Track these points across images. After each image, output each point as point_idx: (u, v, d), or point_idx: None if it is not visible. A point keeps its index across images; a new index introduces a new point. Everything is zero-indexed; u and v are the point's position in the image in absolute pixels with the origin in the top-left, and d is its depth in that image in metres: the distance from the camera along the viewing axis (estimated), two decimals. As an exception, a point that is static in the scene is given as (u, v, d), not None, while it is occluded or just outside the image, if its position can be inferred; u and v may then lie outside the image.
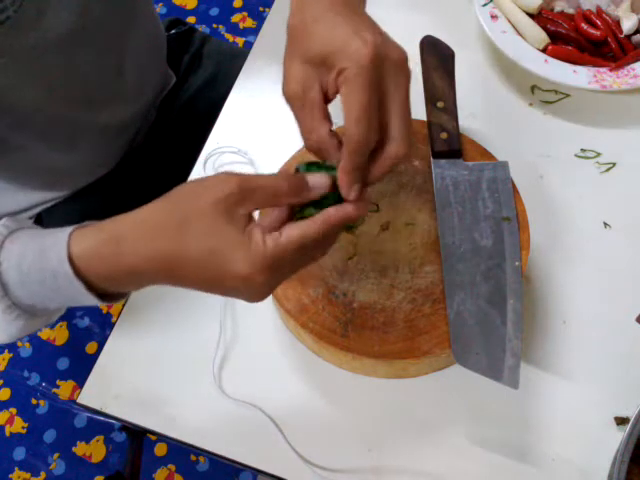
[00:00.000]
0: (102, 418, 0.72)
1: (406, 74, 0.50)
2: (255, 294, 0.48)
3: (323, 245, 0.51)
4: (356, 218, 0.51)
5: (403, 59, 0.49)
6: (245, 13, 2.02)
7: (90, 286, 0.49)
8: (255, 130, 0.82)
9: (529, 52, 0.80)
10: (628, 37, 0.81)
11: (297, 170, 0.52)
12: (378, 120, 0.49)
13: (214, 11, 2.03)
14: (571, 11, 0.84)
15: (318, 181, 0.50)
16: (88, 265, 0.48)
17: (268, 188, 0.47)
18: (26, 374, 1.58)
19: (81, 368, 1.57)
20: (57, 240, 0.49)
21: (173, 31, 1.06)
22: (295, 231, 0.47)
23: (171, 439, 0.65)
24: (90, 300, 0.50)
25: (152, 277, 0.49)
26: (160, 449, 1.47)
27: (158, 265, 0.47)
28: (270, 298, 0.66)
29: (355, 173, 0.50)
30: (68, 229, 0.49)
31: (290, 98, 0.51)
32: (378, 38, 0.48)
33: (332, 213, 0.49)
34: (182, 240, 0.46)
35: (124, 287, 0.51)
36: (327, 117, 0.51)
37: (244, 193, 0.46)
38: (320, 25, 0.50)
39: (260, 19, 2.00)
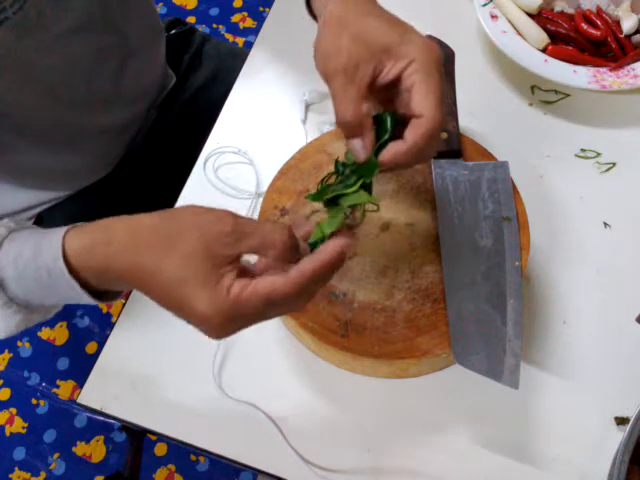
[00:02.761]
0: (102, 418, 0.72)
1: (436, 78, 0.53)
2: (212, 333, 0.48)
3: (296, 301, 0.48)
4: (339, 263, 0.49)
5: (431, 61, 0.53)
6: (245, 13, 2.02)
7: (84, 284, 0.49)
8: (255, 130, 0.82)
9: (529, 52, 0.80)
10: (628, 37, 0.81)
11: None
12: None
13: (214, 11, 2.03)
14: (571, 11, 0.84)
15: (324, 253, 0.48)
16: (81, 263, 0.49)
17: (261, 239, 0.47)
18: (26, 374, 1.58)
19: (81, 368, 1.57)
20: (52, 239, 0.49)
21: (173, 31, 1.06)
22: (263, 284, 0.46)
23: (171, 439, 0.65)
24: (84, 298, 0.50)
25: (131, 284, 0.49)
26: (160, 449, 1.47)
27: (135, 275, 0.48)
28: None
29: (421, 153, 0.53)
30: (63, 228, 0.50)
31: (337, 71, 0.53)
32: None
33: (307, 266, 0.47)
34: (160, 262, 0.47)
35: (114, 287, 0.52)
36: (369, 97, 0.53)
37: (236, 235, 0.46)
38: (374, 18, 0.54)
39: (260, 19, 2.00)
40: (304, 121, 0.81)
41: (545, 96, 0.82)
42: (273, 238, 0.47)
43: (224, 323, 0.46)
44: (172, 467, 1.46)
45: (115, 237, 0.48)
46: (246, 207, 0.75)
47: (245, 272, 0.48)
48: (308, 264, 0.47)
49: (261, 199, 0.69)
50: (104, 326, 1.62)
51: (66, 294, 0.50)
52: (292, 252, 0.48)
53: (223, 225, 0.46)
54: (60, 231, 0.50)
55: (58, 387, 1.56)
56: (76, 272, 0.49)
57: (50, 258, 0.49)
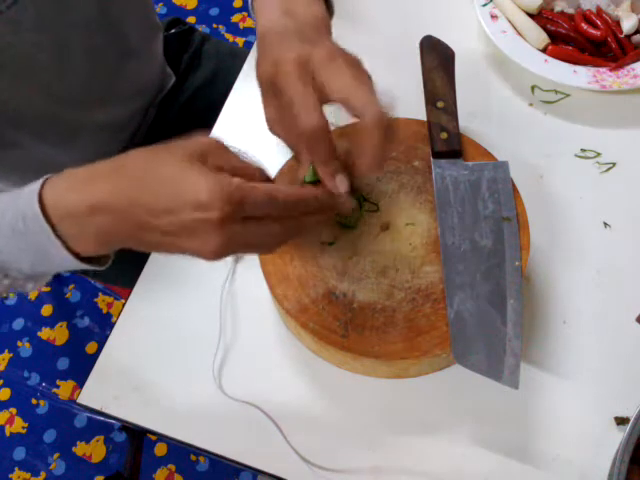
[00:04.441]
0: (102, 418, 0.72)
1: (340, 61, 0.53)
2: (209, 240, 0.45)
3: (289, 220, 0.50)
4: (335, 206, 0.53)
5: (328, 51, 0.54)
6: (245, 13, 2.02)
7: (58, 234, 0.48)
8: (255, 130, 0.82)
9: (529, 52, 0.80)
10: (628, 37, 0.81)
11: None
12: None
13: (214, 11, 2.03)
14: (571, 11, 0.84)
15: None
16: (56, 203, 0.48)
17: (242, 162, 0.50)
18: (26, 374, 1.58)
19: (81, 368, 1.57)
20: (32, 185, 0.50)
21: (173, 30, 1.06)
22: (265, 185, 0.48)
23: (171, 439, 0.65)
24: (57, 250, 0.49)
25: (112, 212, 0.47)
26: (160, 449, 1.47)
27: (120, 195, 0.47)
28: (270, 298, 0.66)
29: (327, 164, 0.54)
30: (41, 179, 0.50)
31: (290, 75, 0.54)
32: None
33: (308, 189, 0.51)
34: (148, 171, 0.47)
35: (85, 229, 0.48)
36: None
37: (219, 151, 0.49)
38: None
39: (260, 19, 2.00)
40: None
41: (545, 96, 0.82)
42: (254, 168, 0.50)
43: (227, 215, 0.44)
44: (172, 467, 1.46)
45: (99, 173, 0.49)
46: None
47: None
48: (296, 188, 0.52)
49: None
50: (104, 326, 1.62)
51: (39, 244, 0.49)
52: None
53: (207, 140, 0.49)
54: (40, 179, 0.50)
55: (58, 387, 1.56)
56: (50, 214, 0.48)
57: (26, 202, 0.48)
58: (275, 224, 0.49)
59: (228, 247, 0.47)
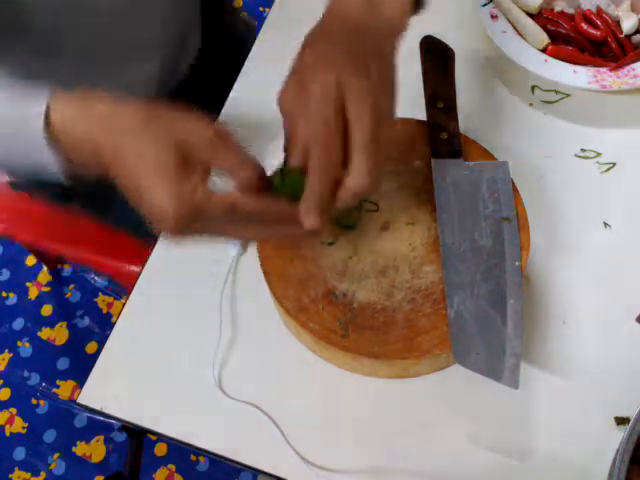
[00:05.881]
0: (102, 418, 0.72)
1: (369, 105, 0.50)
2: (164, 228, 0.50)
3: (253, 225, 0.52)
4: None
5: (364, 88, 0.50)
6: (245, 13, 2.01)
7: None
8: (255, 131, 0.82)
9: (529, 52, 0.80)
10: (628, 37, 0.81)
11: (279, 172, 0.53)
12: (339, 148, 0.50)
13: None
14: (571, 11, 0.84)
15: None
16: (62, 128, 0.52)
17: (238, 158, 0.50)
18: (26, 374, 1.58)
19: (81, 368, 1.56)
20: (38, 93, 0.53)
21: None
22: (227, 197, 0.49)
23: (171, 439, 0.65)
24: (36, 134, 0.52)
25: (103, 159, 0.51)
26: (160, 449, 1.47)
27: (108, 151, 0.51)
28: (270, 298, 0.66)
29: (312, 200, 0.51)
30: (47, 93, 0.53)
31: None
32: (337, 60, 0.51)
33: (275, 204, 0.51)
34: (138, 147, 0.50)
35: (80, 159, 0.53)
36: None
37: (210, 147, 0.50)
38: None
39: (260, 19, 2.00)
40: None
41: (545, 96, 0.82)
42: (249, 161, 0.50)
43: (177, 227, 0.49)
44: (172, 467, 1.46)
45: (96, 110, 0.52)
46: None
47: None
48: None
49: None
50: (104, 326, 1.62)
51: (23, 125, 0.52)
52: (260, 181, 0.51)
53: (205, 132, 0.50)
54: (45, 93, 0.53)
55: (58, 387, 1.56)
56: (51, 120, 0.52)
57: (35, 104, 0.52)
58: (236, 227, 0.51)
59: (184, 238, 0.51)
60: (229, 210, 0.49)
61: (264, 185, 0.51)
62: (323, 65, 0.51)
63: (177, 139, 0.49)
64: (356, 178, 0.50)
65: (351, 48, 0.52)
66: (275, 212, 0.51)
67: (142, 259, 0.75)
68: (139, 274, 0.74)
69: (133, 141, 0.50)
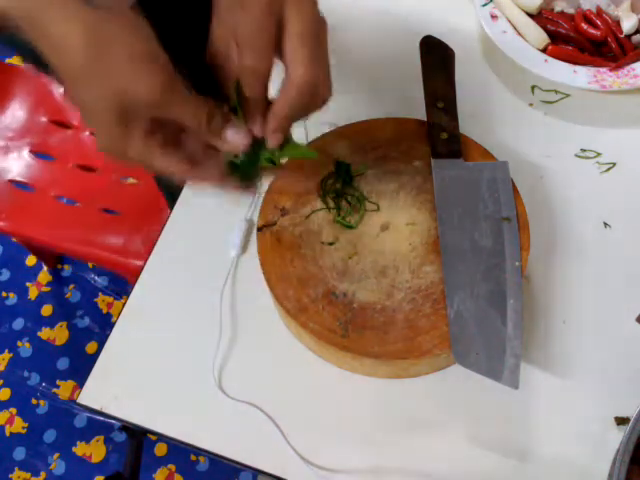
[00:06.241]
0: (102, 418, 0.72)
1: (309, 4, 0.48)
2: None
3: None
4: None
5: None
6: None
7: None
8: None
9: (529, 52, 0.80)
10: (628, 37, 0.81)
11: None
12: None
13: (214, 11, 2.03)
14: (571, 11, 0.84)
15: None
16: None
17: (188, 111, 0.47)
18: (26, 374, 1.58)
19: (81, 368, 1.57)
20: None
21: None
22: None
23: (171, 439, 0.65)
24: None
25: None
26: (160, 449, 1.47)
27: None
28: (270, 298, 0.66)
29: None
30: None
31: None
32: None
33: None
34: (78, 86, 0.46)
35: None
36: None
37: (160, 102, 0.46)
38: None
39: None
40: (305, 121, 0.81)
41: (545, 96, 0.82)
42: (200, 113, 0.47)
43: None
44: (172, 467, 1.46)
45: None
46: (246, 207, 0.75)
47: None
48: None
49: (261, 199, 0.69)
50: (104, 326, 1.62)
51: None
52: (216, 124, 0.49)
53: (153, 85, 0.45)
54: None
55: (58, 387, 1.56)
56: None
57: None
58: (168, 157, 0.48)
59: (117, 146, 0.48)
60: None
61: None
62: None
63: (119, 89, 0.45)
64: (297, 69, 0.47)
65: None
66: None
67: (143, 255, 0.74)
68: (139, 273, 0.74)
69: (80, 79, 0.46)
